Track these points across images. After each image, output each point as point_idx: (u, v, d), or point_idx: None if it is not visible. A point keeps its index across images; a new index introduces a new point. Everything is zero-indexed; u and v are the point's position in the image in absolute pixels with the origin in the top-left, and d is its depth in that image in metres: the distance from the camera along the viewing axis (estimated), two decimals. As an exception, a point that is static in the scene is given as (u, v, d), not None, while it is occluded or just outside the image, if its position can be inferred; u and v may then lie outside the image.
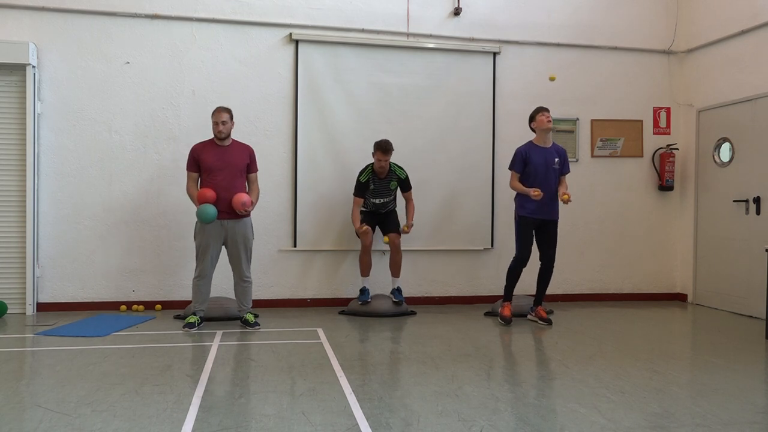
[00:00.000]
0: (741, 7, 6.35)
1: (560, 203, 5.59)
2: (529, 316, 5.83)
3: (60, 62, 5.92)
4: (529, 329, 5.41)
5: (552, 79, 5.73)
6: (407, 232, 5.99)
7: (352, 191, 5.98)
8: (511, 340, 4.98)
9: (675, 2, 7.15)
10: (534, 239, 5.61)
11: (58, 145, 5.93)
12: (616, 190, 7.09)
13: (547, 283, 5.71)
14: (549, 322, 5.59)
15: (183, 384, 3.60)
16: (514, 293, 6.33)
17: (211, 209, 4.99)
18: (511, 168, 5.62)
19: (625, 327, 5.55)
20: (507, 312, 5.62)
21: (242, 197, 5.11)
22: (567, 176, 5.77)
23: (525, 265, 5.60)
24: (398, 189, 6.09)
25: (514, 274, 5.65)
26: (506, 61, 6.80)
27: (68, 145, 5.95)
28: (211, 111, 5.39)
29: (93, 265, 6.01)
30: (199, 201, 5.08)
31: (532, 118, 5.62)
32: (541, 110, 5.56)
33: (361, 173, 5.95)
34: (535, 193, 5.30)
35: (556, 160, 5.55)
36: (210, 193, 5.07)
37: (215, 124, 5.16)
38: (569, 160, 6.88)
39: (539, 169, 5.48)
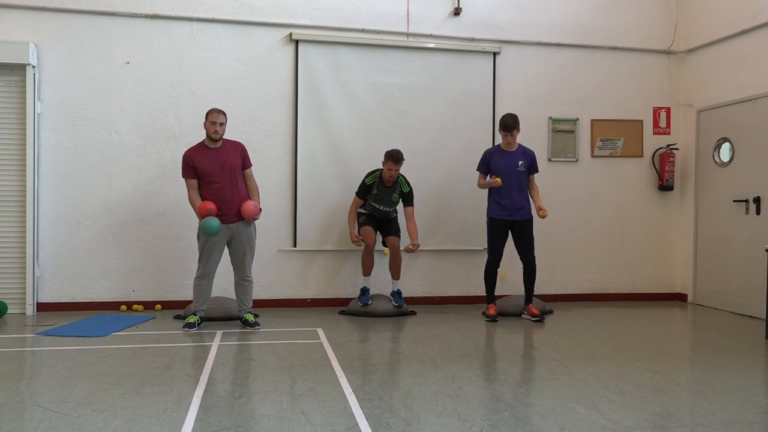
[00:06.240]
0: (741, 8, 6.34)
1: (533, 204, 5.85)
2: (522, 316, 5.92)
3: (60, 62, 5.92)
4: (528, 329, 5.40)
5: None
6: (413, 251, 5.89)
7: (355, 190, 5.98)
8: (510, 341, 4.98)
9: (675, 2, 7.15)
10: (505, 241, 5.82)
11: (58, 145, 5.93)
12: (616, 191, 7.09)
13: (532, 283, 5.88)
14: (540, 319, 5.72)
15: (183, 384, 3.60)
16: (510, 294, 6.40)
17: (215, 222, 4.94)
18: (477, 169, 5.95)
19: (625, 327, 5.55)
20: (492, 311, 5.83)
21: (250, 208, 5.12)
22: (538, 176, 6.02)
23: (498, 266, 5.84)
24: (400, 202, 6.05)
25: (487, 276, 5.90)
26: (506, 61, 6.80)
27: (68, 145, 5.95)
28: (212, 111, 5.38)
29: (93, 265, 6.01)
30: (201, 214, 5.03)
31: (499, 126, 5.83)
32: (501, 128, 5.73)
33: (368, 175, 5.94)
34: (494, 180, 5.62)
35: (521, 162, 5.75)
36: (212, 205, 5.03)
37: (212, 124, 5.11)
38: (569, 159, 6.95)
39: (501, 171, 5.71)
